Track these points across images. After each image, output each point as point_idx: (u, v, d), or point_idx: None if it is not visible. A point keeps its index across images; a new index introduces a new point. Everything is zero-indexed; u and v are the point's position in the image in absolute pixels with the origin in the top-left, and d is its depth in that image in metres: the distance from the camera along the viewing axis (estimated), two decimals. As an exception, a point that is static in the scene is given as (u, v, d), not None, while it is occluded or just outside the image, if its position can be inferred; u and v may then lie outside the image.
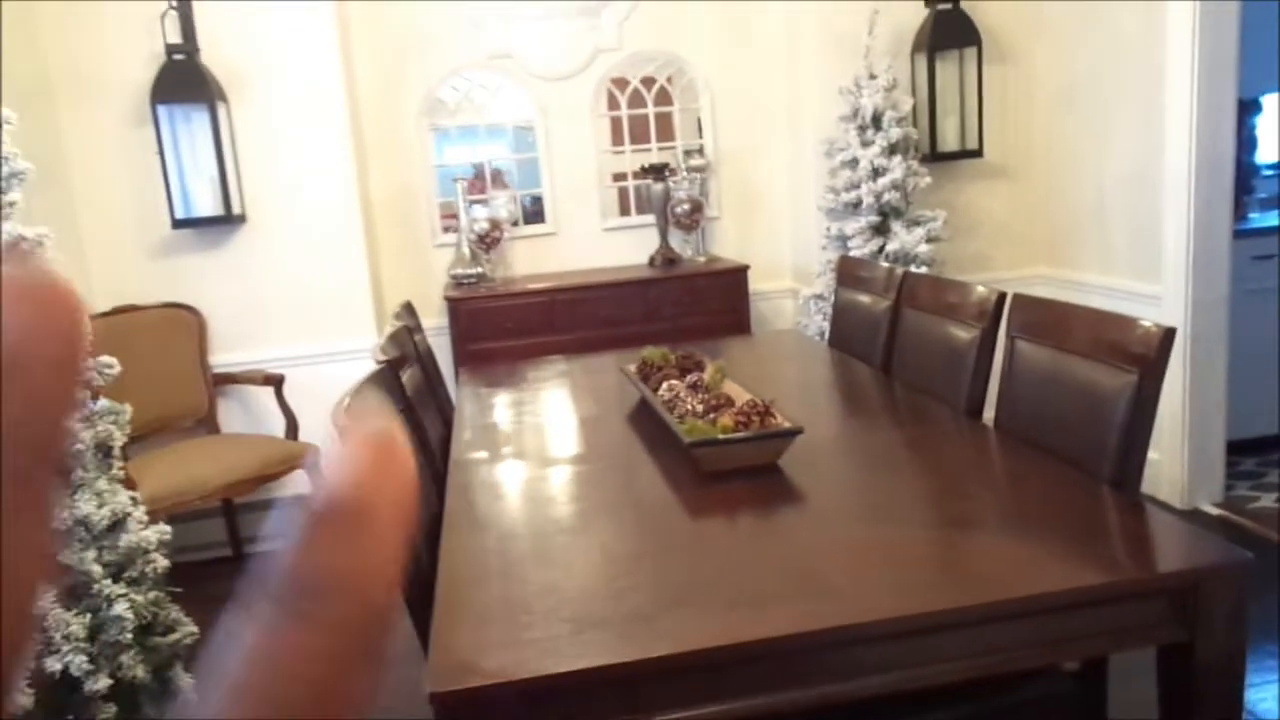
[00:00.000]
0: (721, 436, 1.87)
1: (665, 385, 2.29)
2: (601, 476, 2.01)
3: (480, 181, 4.12)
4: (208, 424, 3.58)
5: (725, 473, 1.85)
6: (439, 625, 1.34)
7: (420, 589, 1.49)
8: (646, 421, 2.26)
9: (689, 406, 2.12)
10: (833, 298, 3.24)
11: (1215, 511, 3.41)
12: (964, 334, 2.23)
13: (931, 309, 2.41)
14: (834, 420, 2.34)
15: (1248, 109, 4.27)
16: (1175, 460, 3.47)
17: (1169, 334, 1.60)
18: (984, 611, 1.31)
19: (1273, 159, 4.39)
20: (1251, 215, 4.18)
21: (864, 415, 2.40)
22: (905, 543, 1.53)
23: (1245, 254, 3.68)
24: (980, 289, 2.23)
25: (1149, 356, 1.62)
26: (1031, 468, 1.78)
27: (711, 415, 2.01)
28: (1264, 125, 4.31)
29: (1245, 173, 4.28)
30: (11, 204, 1.94)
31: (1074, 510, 1.56)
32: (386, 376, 1.86)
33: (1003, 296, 2.13)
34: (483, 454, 2.17)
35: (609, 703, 1.24)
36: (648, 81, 4.13)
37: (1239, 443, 3.73)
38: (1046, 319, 1.93)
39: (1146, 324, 1.65)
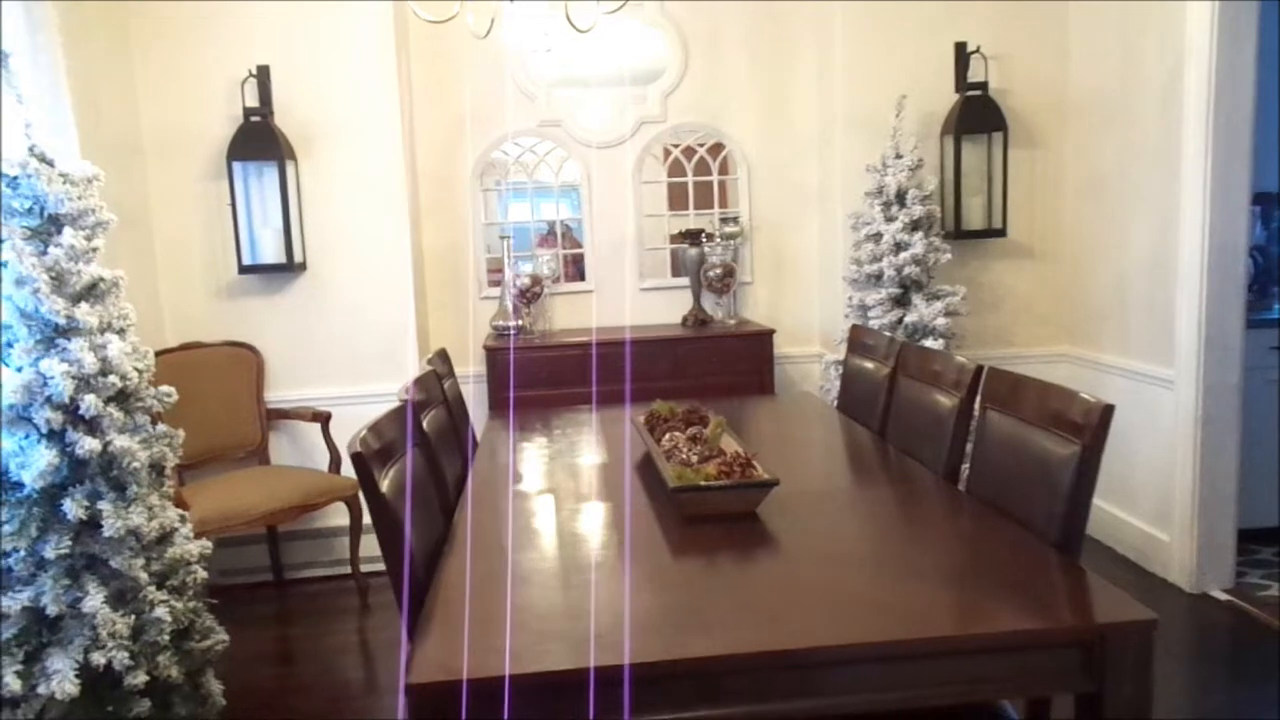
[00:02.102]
0: (703, 484, 2.04)
1: (668, 436, 2.48)
2: (598, 515, 2.19)
3: (552, 237, 4.40)
4: (259, 455, 3.85)
5: (708, 517, 2.02)
6: (422, 631, 1.53)
7: (415, 604, 1.69)
8: (648, 469, 2.44)
9: (684, 456, 2.30)
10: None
11: (1223, 597, 3.43)
12: (946, 402, 2.38)
13: (920, 378, 2.56)
14: (820, 477, 2.49)
15: (1276, 202, 4.35)
16: (1186, 544, 3.51)
17: (1108, 409, 1.73)
18: (908, 647, 1.45)
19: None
20: (1278, 305, 4.23)
21: (850, 474, 2.54)
22: (854, 585, 1.68)
23: (1267, 343, 3.75)
24: (960, 360, 2.38)
25: (1090, 428, 1.75)
26: (986, 528, 1.91)
27: (701, 465, 2.18)
28: (1293, 217, 4.37)
29: (1274, 264, 4.35)
30: (94, 249, 2.23)
31: (1012, 567, 1.70)
32: (404, 414, 2.07)
33: (980, 369, 2.28)
34: (494, 489, 2.37)
35: (560, 705, 1.41)
36: (688, 152, 4.38)
37: (1256, 531, 3.76)
38: (1009, 390, 2.08)
39: (1089, 398, 1.79)
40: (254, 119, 3.66)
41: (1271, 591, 3.45)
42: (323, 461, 3.81)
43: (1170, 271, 3.51)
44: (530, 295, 4.17)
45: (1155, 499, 3.67)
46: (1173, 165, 3.45)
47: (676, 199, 4.44)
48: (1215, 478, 3.45)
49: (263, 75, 3.68)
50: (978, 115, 3.98)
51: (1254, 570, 3.61)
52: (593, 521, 2.15)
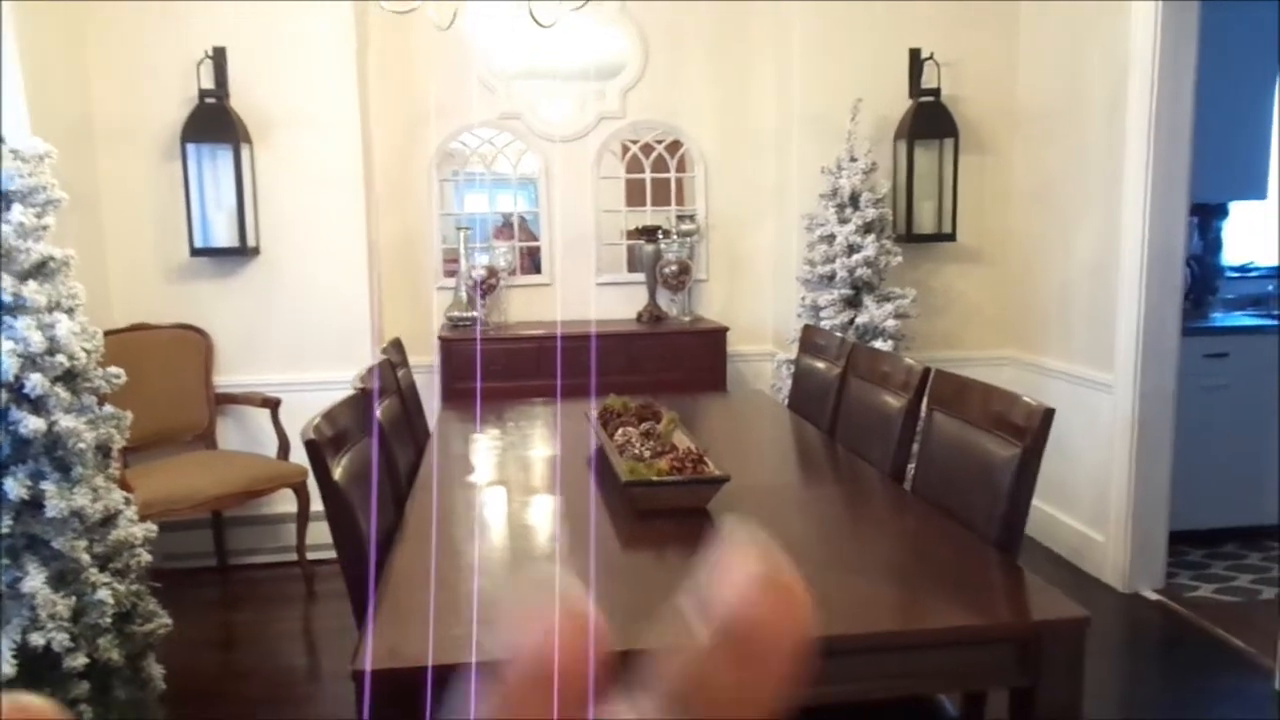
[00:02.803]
0: (655, 479, 2.07)
1: (620, 431, 2.50)
2: (549, 507, 2.21)
3: (509, 229, 4.39)
4: (206, 439, 3.80)
5: (659, 512, 2.05)
6: (376, 620, 1.53)
7: (363, 593, 1.69)
8: (603, 463, 2.47)
9: (637, 451, 2.33)
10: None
11: (1154, 597, 3.55)
12: (894, 402, 2.44)
13: (869, 378, 2.62)
14: (770, 474, 2.53)
15: (1215, 213, 4.51)
16: (1119, 544, 3.62)
17: (1048, 412, 1.79)
18: (850, 642, 1.49)
19: (1237, 261, 4.60)
20: (1214, 315, 4.38)
21: (799, 472, 2.59)
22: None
23: (1201, 350, 3.88)
24: (908, 362, 2.44)
25: (1031, 431, 1.81)
26: (929, 527, 1.97)
27: (654, 460, 2.21)
28: (1230, 229, 4.53)
29: (1210, 273, 4.50)
30: (44, 227, 2.19)
31: (952, 565, 1.75)
32: (357, 402, 2.07)
33: (927, 371, 2.34)
34: (447, 479, 2.38)
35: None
36: (647, 149, 4.40)
37: (1189, 533, 3.88)
38: (954, 392, 2.14)
39: (1030, 401, 1.85)
40: (209, 101, 3.61)
41: (1200, 592, 3.58)
42: (271, 447, 3.78)
43: (1111, 279, 3.62)
44: (486, 287, 4.16)
45: (1092, 501, 3.78)
46: (1116, 175, 3.56)
47: (634, 195, 4.46)
48: (1149, 481, 3.57)
49: (219, 57, 3.63)
50: (930, 121, 4.06)
51: (1184, 571, 3.74)
52: (544, 513, 2.17)
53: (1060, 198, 3.97)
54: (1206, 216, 4.45)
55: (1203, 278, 4.42)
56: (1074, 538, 3.89)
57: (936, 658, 1.53)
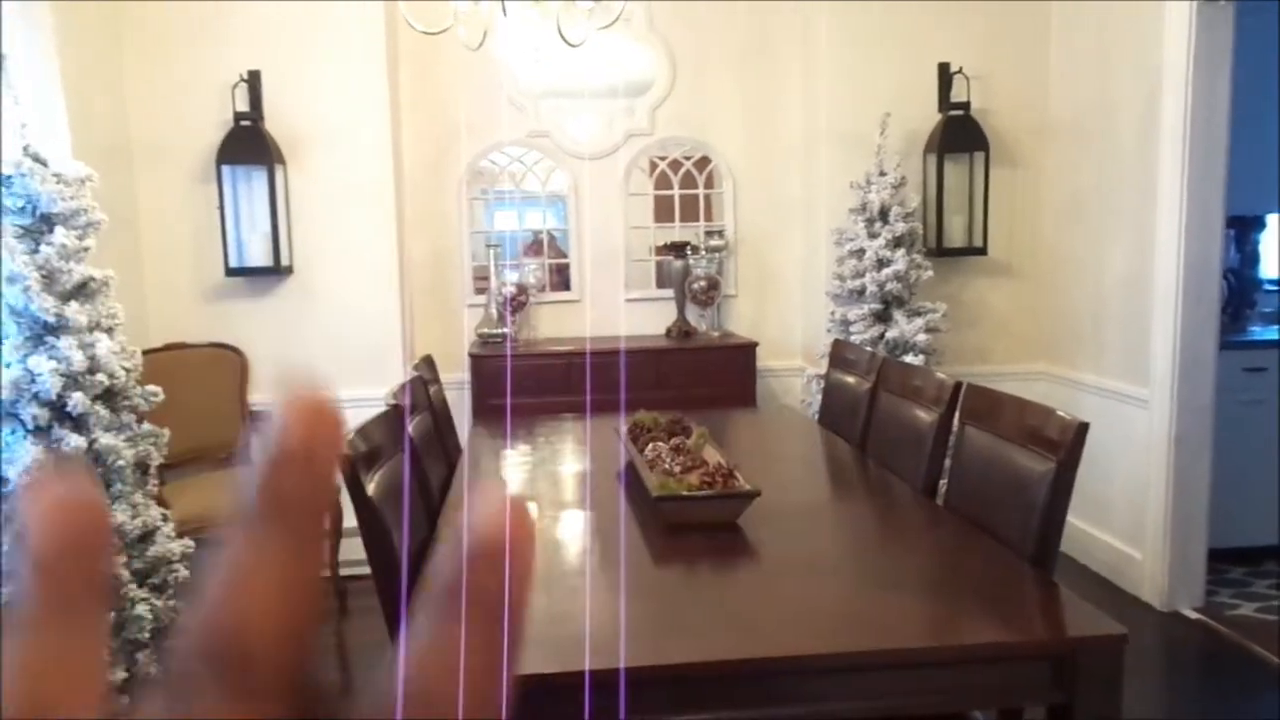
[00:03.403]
0: (685, 494, 2.07)
1: (650, 446, 2.51)
2: (581, 521, 2.21)
3: (538, 246, 4.43)
4: (242, 457, 3.84)
5: (689, 527, 2.05)
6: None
7: (396, 607, 1.71)
8: (631, 478, 2.47)
9: (667, 466, 2.33)
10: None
11: (1194, 616, 3.48)
12: (926, 417, 2.42)
13: (900, 393, 2.61)
14: (801, 489, 2.52)
15: (1252, 226, 4.45)
16: (1157, 562, 3.56)
17: (1082, 427, 1.77)
18: (883, 658, 1.48)
19: (1275, 274, 4.53)
20: (1253, 328, 4.31)
21: (830, 487, 2.58)
22: (832, 596, 1.71)
23: (1239, 365, 3.82)
24: (940, 377, 2.42)
25: (1065, 445, 1.80)
26: (962, 542, 1.95)
27: (684, 475, 2.21)
28: (1268, 242, 4.46)
29: (1248, 287, 4.44)
30: (85, 249, 2.24)
31: (986, 581, 1.74)
32: (390, 419, 2.09)
33: (959, 385, 2.32)
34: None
35: (548, 709, 1.43)
36: (675, 165, 4.42)
37: (1230, 550, 3.81)
38: (987, 406, 2.12)
39: (1064, 416, 1.83)
40: (244, 123, 3.68)
41: (1241, 611, 3.51)
42: (305, 465, 3.81)
43: (1146, 292, 3.58)
44: (516, 304, 4.19)
45: (1128, 517, 3.72)
46: (1149, 187, 3.52)
47: (662, 211, 4.47)
48: (1187, 497, 3.51)
49: (253, 80, 3.69)
50: (960, 135, 4.04)
51: (1224, 589, 3.67)
52: (577, 529, 2.18)
53: (1093, 210, 3.94)
54: (1244, 229, 4.39)
55: (1240, 291, 4.36)
56: (1111, 555, 3.83)
57: (972, 674, 1.51)
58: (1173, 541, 3.52)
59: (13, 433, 2.12)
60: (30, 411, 2.10)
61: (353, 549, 3.57)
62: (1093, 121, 3.90)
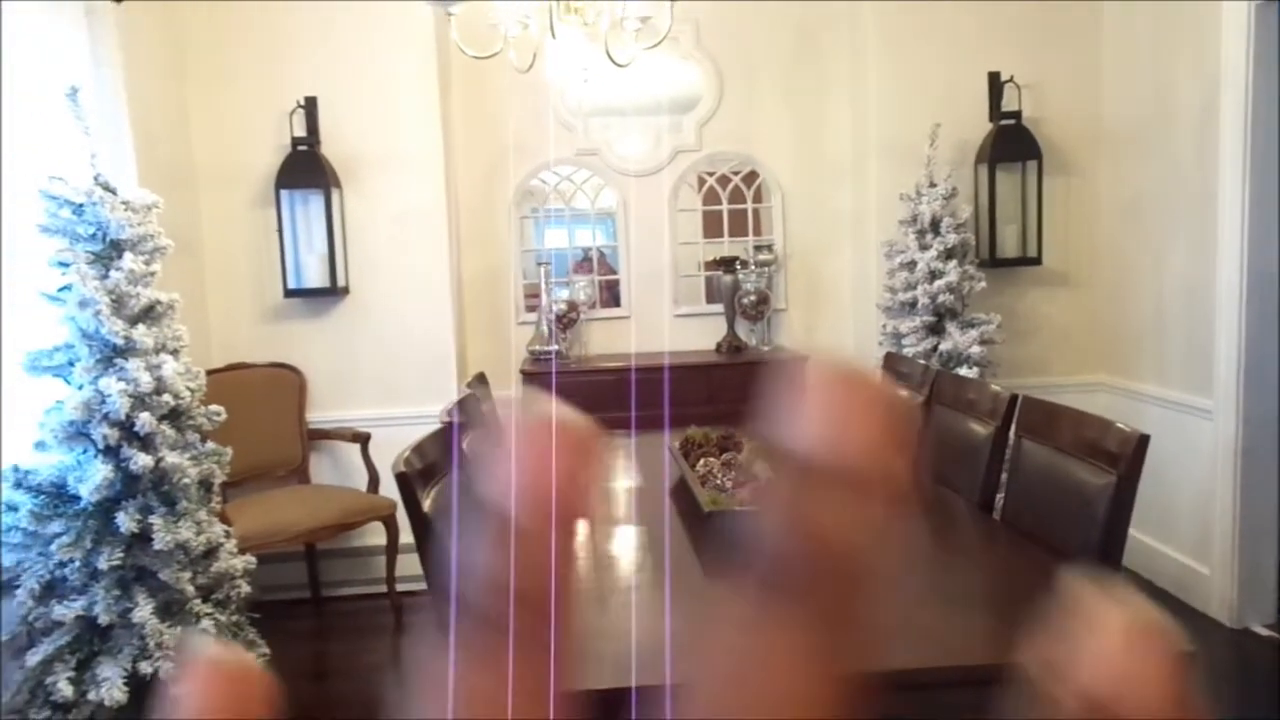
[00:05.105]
0: (737, 508, 2.07)
1: (702, 462, 2.51)
2: (633, 537, 2.22)
3: (588, 263, 4.47)
4: (300, 474, 3.92)
5: (742, 542, 2.04)
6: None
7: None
8: (683, 493, 2.47)
9: (719, 482, 2.33)
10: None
11: (1265, 633, 3.38)
12: (981, 430, 2.39)
13: (955, 406, 2.58)
14: (855, 504, 2.50)
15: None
16: (1226, 577, 3.46)
17: (1143, 439, 1.74)
18: (942, 674, 1.47)
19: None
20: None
21: (886, 501, 2.55)
22: (887, 611, 1.69)
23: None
24: (995, 389, 2.39)
25: (1126, 458, 1.76)
26: (1020, 556, 1.92)
27: (736, 490, 2.21)
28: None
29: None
30: (152, 273, 2.32)
31: (1044, 597, 1.70)
32: (446, 435, 2.12)
33: (1015, 397, 2.29)
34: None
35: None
36: (723, 180, 4.43)
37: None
38: (1044, 419, 2.09)
39: (1124, 427, 1.80)
40: (301, 148, 3.77)
41: (1315, 627, 3.40)
42: (361, 481, 3.88)
43: (1208, 300, 3.50)
44: (567, 321, 4.23)
45: (1194, 531, 3.63)
46: (1209, 193, 3.44)
47: (711, 226, 4.48)
48: (1256, 510, 3.41)
49: (310, 106, 3.79)
50: (1012, 144, 4.00)
51: (1297, 605, 3.55)
52: (628, 544, 2.19)
53: (1151, 216, 3.86)
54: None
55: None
56: (1176, 569, 3.74)
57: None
58: (1242, 556, 3.42)
59: (84, 452, 2.19)
60: (101, 431, 2.17)
61: (410, 564, 3.63)
62: (1149, 127, 3.84)
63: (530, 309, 4.37)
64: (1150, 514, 3.75)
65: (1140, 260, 3.94)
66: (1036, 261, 4.07)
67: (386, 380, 3.99)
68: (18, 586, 2.13)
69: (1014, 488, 2.17)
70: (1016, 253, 4.08)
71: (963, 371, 3.65)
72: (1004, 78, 4.00)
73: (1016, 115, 3.98)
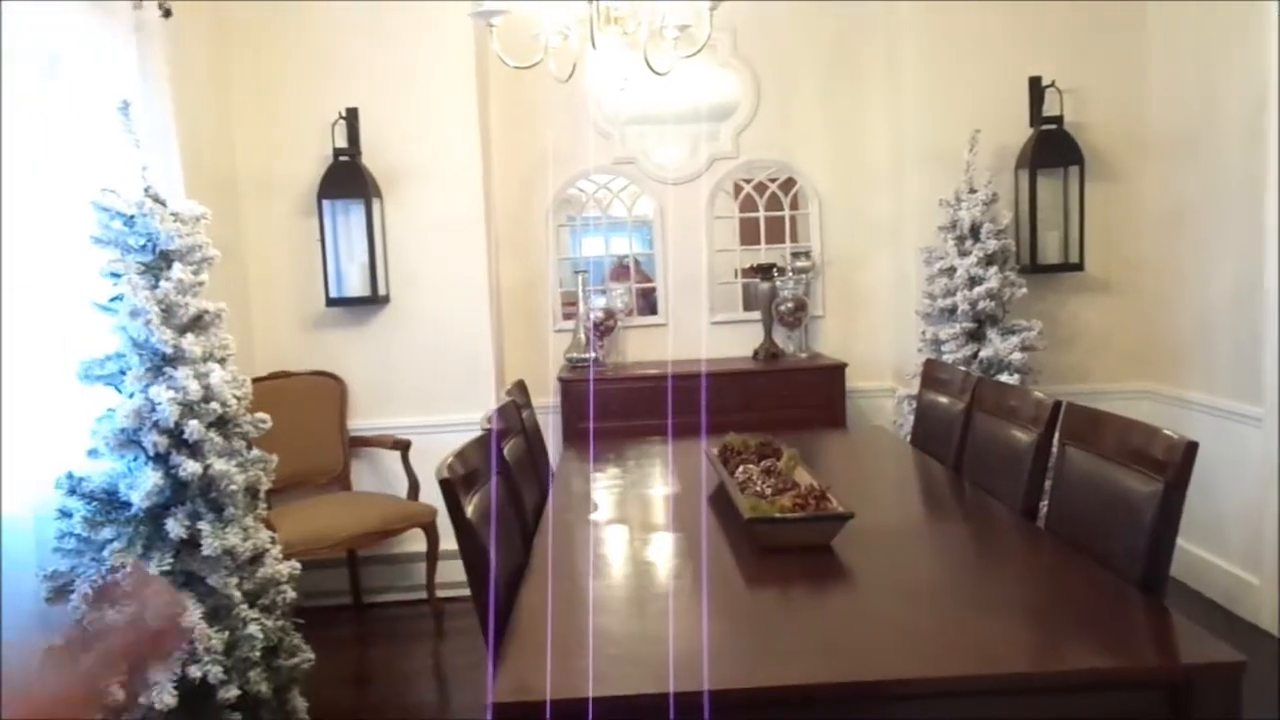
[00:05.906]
0: (778, 515, 2.07)
1: (741, 469, 2.51)
2: (673, 543, 2.22)
3: (625, 271, 4.49)
4: (341, 481, 3.97)
5: (782, 549, 2.04)
6: (507, 652, 1.58)
7: (499, 626, 1.74)
8: (723, 500, 2.47)
9: (759, 489, 2.33)
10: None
11: (1318, 643, 3.31)
12: (1024, 437, 2.37)
13: (996, 413, 2.55)
14: (895, 511, 2.49)
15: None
16: (1276, 588, 3.39)
17: (1191, 446, 1.71)
18: (983, 683, 1.45)
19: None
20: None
21: (925, 509, 2.54)
22: (929, 619, 1.69)
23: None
24: (1038, 396, 2.36)
25: (1174, 465, 1.74)
26: (1065, 565, 1.90)
27: (776, 497, 2.21)
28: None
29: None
30: (200, 283, 2.36)
31: (1092, 606, 1.69)
32: (486, 442, 2.14)
33: (1058, 404, 2.26)
34: (571, 517, 2.43)
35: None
36: (760, 187, 4.43)
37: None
38: (1088, 426, 2.06)
39: (1171, 435, 1.77)
40: (342, 159, 3.83)
41: (1370, 639, 3.31)
42: (402, 488, 3.92)
43: (1256, 306, 3.43)
44: (604, 328, 4.25)
45: (1244, 540, 3.56)
46: (1257, 198, 3.38)
47: (748, 233, 4.48)
48: (1307, 519, 3.34)
49: (351, 117, 3.84)
50: (1053, 149, 3.96)
51: (1350, 617, 3.47)
52: (666, 551, 2.19)
53: (1196, 222, 3.80)
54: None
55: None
56: (1225, 580, 3.66)
57: (1078, 702, 1.47)
58: (1292, 567, 3.35)
59: (135, 459, 2.24)
60: (151, 439, 2.22)
61: (449, 570, 3.66)
62: (1194, 130, 3.78)
63: (567, 317, 4.39)
64: (1198, 523, 3.68)
65: (1186, 266, 3.88)
66: (1079, 267, 4.02)
67: (426, 388, 4.03)
68: (72, 591, 2.18)
69: (1058, 495, 2.15)
70: (1058, 259, 4.03)
71: (1003, 378, 3.61)
72: (1045, 82, 3.96)
73: (1058, 120, 3.94)
